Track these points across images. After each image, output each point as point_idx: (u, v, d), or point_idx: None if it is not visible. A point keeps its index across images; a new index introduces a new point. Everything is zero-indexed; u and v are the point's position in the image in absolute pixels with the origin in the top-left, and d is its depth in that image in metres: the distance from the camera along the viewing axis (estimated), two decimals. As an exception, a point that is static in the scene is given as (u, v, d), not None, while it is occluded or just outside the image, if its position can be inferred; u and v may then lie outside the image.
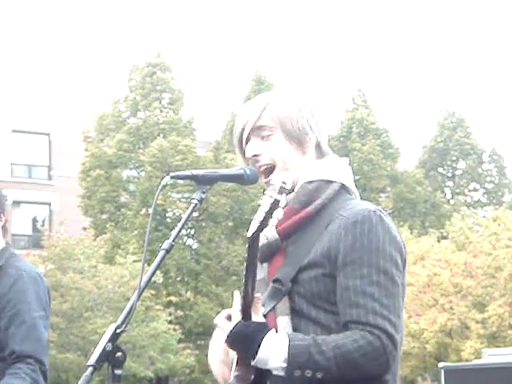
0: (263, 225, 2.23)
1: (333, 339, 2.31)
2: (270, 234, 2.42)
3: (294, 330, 2.37)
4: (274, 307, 2.40)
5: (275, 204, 2.23)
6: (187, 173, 2.51)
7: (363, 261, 2.34)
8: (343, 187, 2.52)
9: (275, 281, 2.41)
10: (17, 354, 3.46)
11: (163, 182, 2.44)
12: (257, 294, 2.31)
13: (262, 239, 2.42)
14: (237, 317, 2.32)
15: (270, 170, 2.52)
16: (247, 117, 2.54)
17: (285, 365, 2.28)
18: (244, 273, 2.29)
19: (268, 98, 2.55)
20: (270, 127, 2.51)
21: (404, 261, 2.43)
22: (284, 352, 2.28)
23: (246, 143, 2.56)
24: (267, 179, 2.51)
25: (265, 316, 2.37)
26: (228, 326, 2.32)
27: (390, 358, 2.32)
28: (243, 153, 2.59)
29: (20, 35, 54.33)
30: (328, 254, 2.37)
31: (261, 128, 2.51)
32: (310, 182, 2.47)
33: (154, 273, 2.37)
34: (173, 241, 2.42)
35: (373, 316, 2.31)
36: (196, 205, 2.47)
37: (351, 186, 2.55)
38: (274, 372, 2.31)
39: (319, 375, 2.28)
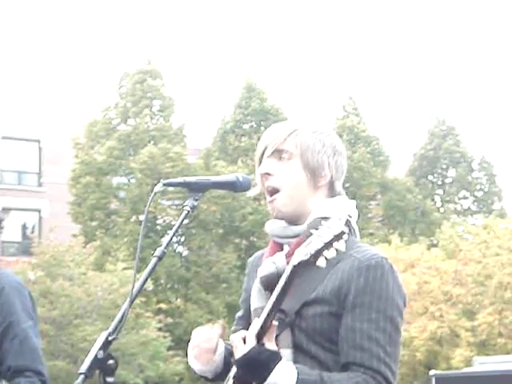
0: (318, 254, 2.25)
1: (337, 379, 2.34)
2: (279, 263, 2.43)
3: (294, 363, 2.38)
4: (275, 337, 2.40)
5: (340, 235, 2.25)
6: (180, 180, 2.50)
7: (372, 305, 2.39)
8: (350, 229, 2.54)
9: (279, 311, 2.40)
10: (13, 369, 3.44)
11: (156, 190, 2.44)
12: (274, 322, 2.33)
13: (271, 267, 2.45)
14: (252, 341, 2.32)
15: (276, 191, 2.53)
16: (273, 137, 2.56)
17: None
18: (273, 299, 2.30)
19: (297, 125, 2.57)
20: (290, 153, 2.53)
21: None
22: (292, 383, 2.30)
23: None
24: (271, 198, 2.53)
25: None
26: (243, 348, 2.33)
27: None
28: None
29: (9, 41, 54.27)
30: (338, 293, 2.40)
31: (282, 151, 2.54)
32: (323, 218, 2.46)
33: (146, 280, 2.37)
34: (165, 248, 2.42)
35: (377, 362, 2.36)
36: (188, 212, 2.46)
37: (356, 228, 2.59)
38: None
39: None
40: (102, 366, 2.25)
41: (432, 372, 11.56)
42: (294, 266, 2.27)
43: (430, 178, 38.64)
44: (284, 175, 2.51)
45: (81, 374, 2.23)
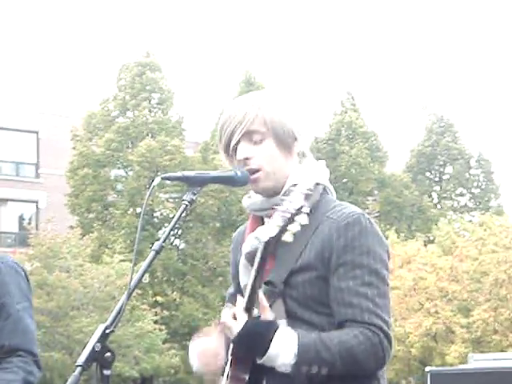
0: (283, 230, 2.30)
1: (336, 335, 2.37)
2: (262, 238, 2.43)
3: None
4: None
5: (299, 210, 2.30)
6: (178, 174, 2.49)
7: (355, 262, 2.41)
8: (325, 189, 2.57)
9: (267, 283, 2.43)
10: (6, 348, 3.42)
11: (154, 183, 2.42)
12: (260, 293, 2.36)
13: (254, 242, 2.46)
14: (242, 315, 2.35)
15: (257, 171, 2.53)
16: (239, 119, 2.52)
17: (294, 361, 2.32)
18: (253, 274, 2.34)
19: (259, 102, 2.54)
20: (261, 132, 2.52)
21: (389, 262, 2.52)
22: (294, 349, 2.32)
23: (236, 145, 2.55)
24: (254, 177, 2.51)
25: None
26: (236, 325, 2.34)
27: (386, 354, 2.40)
28: (228, 153, 2.58)
29: (8, 33, 54.20)
30: (321, 257, 2.42)
31: (252, 132, 2.52)
32: (294, 185, 2.48)
33: (144, 274, 2.36)
34: (163, 242, 2.41)
35: (368, 315, 2.38)
36: (187, 206, 2.45)
37: (330, 186, 2.60)
38: (280, 369, 2.34)
39: (324, 371, 2.33)
40: (99, 358, 2.25)
41: (428, 368, 11.59)
42: (266, 243, 2.31)
43: (428, 174, 38.66)
44: (261, 157, 2.51)
45: (78, 366, 2.23)
